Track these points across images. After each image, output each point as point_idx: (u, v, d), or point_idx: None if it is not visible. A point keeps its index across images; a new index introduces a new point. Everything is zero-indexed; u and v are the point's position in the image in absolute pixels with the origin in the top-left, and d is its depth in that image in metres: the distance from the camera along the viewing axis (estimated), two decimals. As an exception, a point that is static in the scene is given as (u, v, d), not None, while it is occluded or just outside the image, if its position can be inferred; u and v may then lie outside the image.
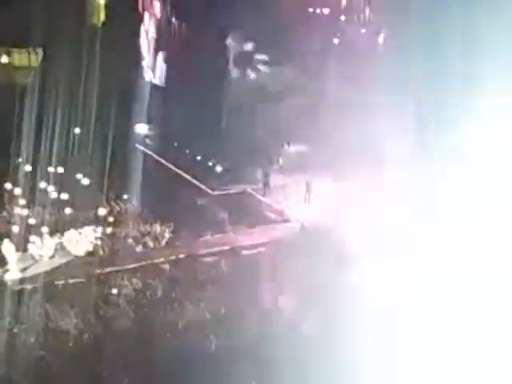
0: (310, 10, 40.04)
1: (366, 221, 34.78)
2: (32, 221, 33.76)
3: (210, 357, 26.72)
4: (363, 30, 40.14)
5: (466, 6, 28.82)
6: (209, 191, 38.45)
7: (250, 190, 38.38)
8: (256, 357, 26.48)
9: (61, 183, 35.81)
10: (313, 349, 26.74)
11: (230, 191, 38.36)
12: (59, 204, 35.12)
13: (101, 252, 33.14)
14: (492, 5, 29.84)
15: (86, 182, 36.35)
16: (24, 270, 31.10)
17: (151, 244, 34.24)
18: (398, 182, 34.09)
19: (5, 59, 44.18)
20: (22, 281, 30.46)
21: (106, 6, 44.18)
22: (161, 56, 45.39)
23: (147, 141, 43.99)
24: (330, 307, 29.55)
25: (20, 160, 36.60)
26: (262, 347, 27.04)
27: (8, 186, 35.86)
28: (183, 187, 38.83)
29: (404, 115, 36.31)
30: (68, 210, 34.74)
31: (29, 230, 33.00)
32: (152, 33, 45.47)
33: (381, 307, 28.54)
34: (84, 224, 34.02)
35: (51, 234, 32.87)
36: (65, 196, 35.41)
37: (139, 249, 33.93)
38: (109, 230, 34.23)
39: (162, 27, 44.93)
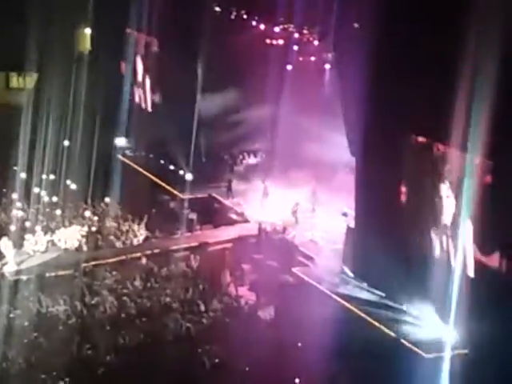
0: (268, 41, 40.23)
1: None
2: (27, 221, 33.95)
3: (180, 336, 26.80)
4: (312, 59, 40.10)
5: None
6: (180, 195, 38.41)
7: (214, 195, 38.26)
8: (218, 337, 26.59)
9: (52, 188, 36.34)
10: (268, 332, 27.01)
11: (198, 195, 38.23)
12: (50, 206, 35.60)
13: (86, 247, 33.12)
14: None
15: (73, 187, 36.84)
16: (20, 263, 31.03)
17: (129, 241, 34.27)
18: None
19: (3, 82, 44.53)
20: (18, 272, 30.32)
21: (92, 37, 44.53)
22: (140, 78, 45.28)
23: (127, 152, 44.32)
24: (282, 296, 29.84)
25: (16, 168, 36.83)
26: (224, 327, 27.34)
27: (5, 191, 36.19)
28: (158, 192, 39.13)
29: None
30: (58, 212, 35.06)
31: (24, 228, 33.17)
32: (131, 59, 45.11)
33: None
34: (72, 223, 34.24)
35: (44, 232, 32.98)
36: (55, 199, 35.97)
37: (119, 244, 33.97)
38: (93, 228, 34.36)
39: (139, 54, 44.69)
